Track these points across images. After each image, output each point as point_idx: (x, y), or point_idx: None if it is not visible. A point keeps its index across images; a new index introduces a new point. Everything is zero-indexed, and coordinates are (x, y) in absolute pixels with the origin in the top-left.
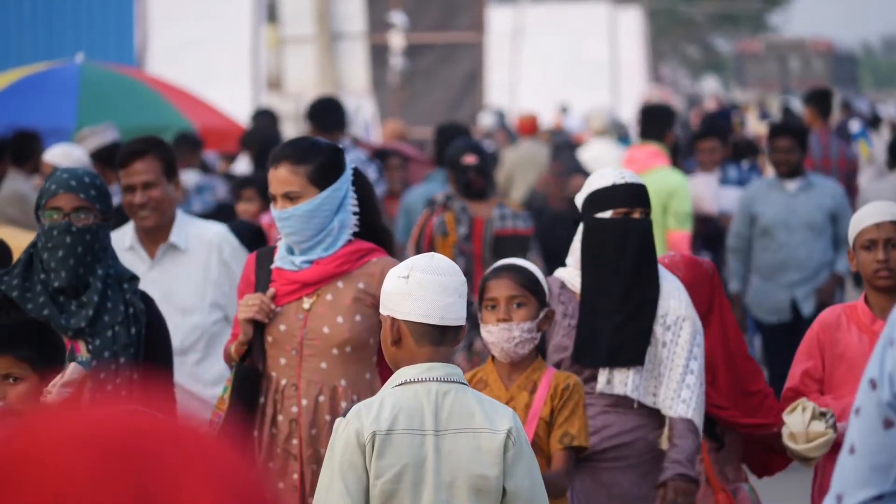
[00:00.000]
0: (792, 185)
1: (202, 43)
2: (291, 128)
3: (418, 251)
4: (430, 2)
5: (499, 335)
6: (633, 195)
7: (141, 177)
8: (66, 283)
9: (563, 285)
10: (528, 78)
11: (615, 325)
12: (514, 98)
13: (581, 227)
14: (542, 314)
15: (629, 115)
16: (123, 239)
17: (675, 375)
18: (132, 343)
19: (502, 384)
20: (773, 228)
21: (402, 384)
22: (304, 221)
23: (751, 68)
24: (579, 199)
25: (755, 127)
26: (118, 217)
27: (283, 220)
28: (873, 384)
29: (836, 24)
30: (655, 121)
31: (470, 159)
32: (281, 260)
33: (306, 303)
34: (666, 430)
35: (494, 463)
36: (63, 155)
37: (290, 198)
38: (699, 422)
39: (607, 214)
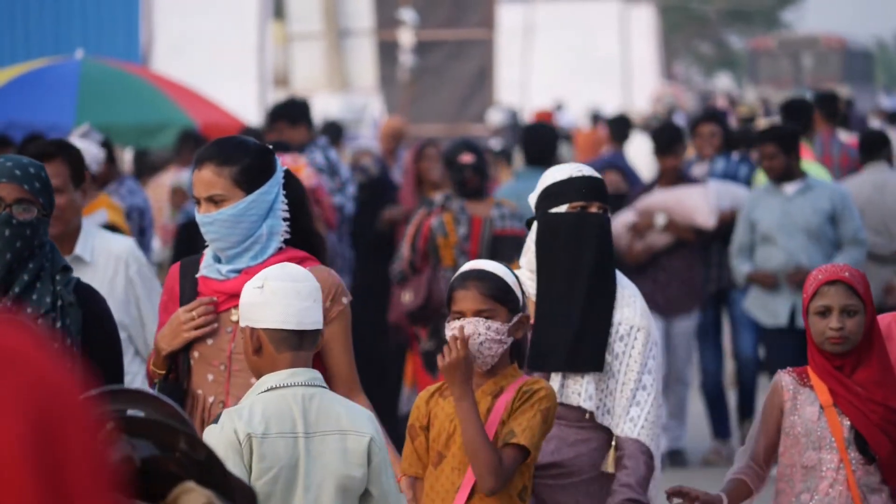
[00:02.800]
0: (790, 189)
1: (208, 39)
2: None
3: (414, 251)
4: None
5: (463, 330)
6: (589, 188)
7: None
8: None
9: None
10: (539, 75)
11: (573, 328)
12: (525, 96)
13: (534, 225)
14: (514, 319)
15: (641, 112)
16: None
17: (625, 391)
18: (55, 337)
19: None
20: (771, 234)
21: (267, 390)
22: (229, 227)
23: (764, 65)
24: (532, 197)
25: (760, 124)
26: None
27: (206, 224)
28: None
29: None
30: (797, 116)
31: (466, 158)
32: (207, 269)
33: (234, 315)
34: (612, 451)
35: (360, 464)
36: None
37: (215, 201)
38: (651, 443)
39: (563, 209)
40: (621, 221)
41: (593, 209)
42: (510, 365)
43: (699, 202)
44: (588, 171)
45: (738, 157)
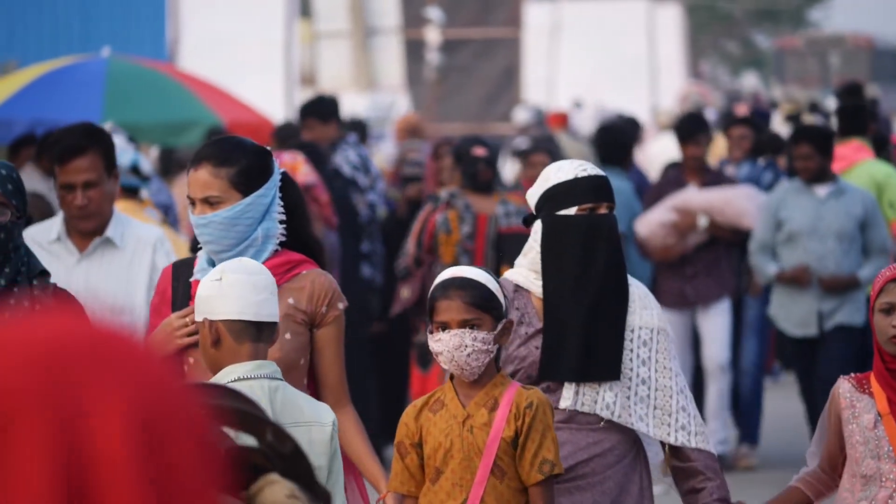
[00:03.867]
0: (822, 191)
1: (235, 37)
2: None
3: (419, 247)
4: None
5: (448, 343)
6: (597, 189)
7: (82, 176)
8: None
9: (517, 288)
10: (566, 74)
11: (587, 334)
12: (552, 94)
13: (539, 226)
14: (499, 326)
15: (668, 111)
16: (50, 231)
17: (664, 397)
18: None
19: (459, 403)
20: (800, 235)
21: (235, 381)
22: (224, 229)
23: (791, 64)
24: (533, 195)
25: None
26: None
27: (201, 226)
28: None
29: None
30: (855, 116)
31: (479, 151)
32: (201, 272)
33: None
34: (666, 457)
35: (323, 453)
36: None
37: (210, 203)
38: (712, 445)
39: (571, 211)
40: (657, 219)
41: (602, 210)
42: (497, 373)
43: (747, 205)
44: (592, 169)
45: (765, 162)
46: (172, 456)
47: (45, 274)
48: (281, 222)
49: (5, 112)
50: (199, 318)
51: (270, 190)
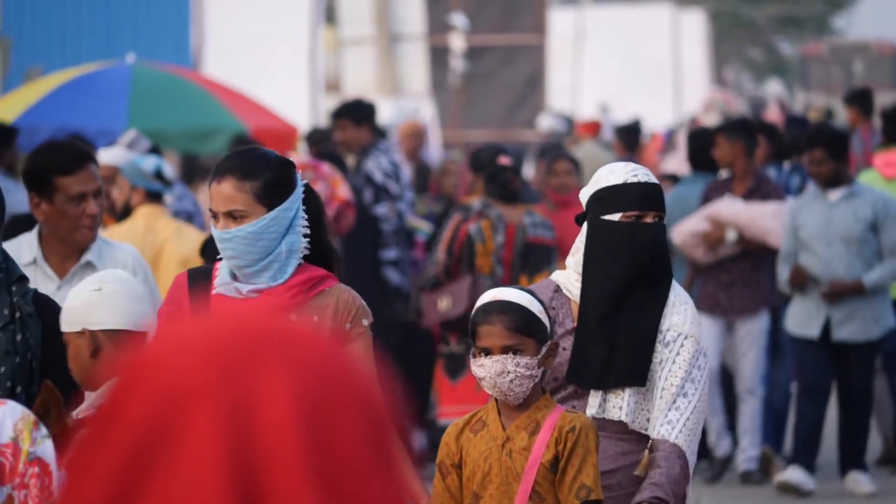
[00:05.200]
0: (834, 196)
1: (259, 43)
2: None
3: (450, 256)
4: (491, 3)
5: (491, 369)
6: (645, 196)
7: (93, 184)
8: None
9: (557, 289)
10: (590, 81)
11: (613, 343)
12: (576, 101)
13: (585, 228)
14: (544, 349)
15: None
16: (21, 251)
17: (665, 396)
18: (16, 351)
19: (500, 424)
20: (811, 241)
21: None
22: (248, 244)
23: (815, 71)
24: (585, 195)
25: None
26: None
27: (224, 241)
28: None
29: None
30: None
31: (505, 160)
32: (224, 286)
33: None
34: (646, 453)
35: None
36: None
37: (234, 217)
38: (688, 448)
39: (616, 217)
40: (690, 229)
41: (648, 219)
42: (542, 395)
43: (772, 224)
44: (644, 174)
45: (791, 166)
46: (340, 437)
47: (24, 279)
48: (305, 236)
49: (30, 119)
50: (75, 328)
51: (294, 203)
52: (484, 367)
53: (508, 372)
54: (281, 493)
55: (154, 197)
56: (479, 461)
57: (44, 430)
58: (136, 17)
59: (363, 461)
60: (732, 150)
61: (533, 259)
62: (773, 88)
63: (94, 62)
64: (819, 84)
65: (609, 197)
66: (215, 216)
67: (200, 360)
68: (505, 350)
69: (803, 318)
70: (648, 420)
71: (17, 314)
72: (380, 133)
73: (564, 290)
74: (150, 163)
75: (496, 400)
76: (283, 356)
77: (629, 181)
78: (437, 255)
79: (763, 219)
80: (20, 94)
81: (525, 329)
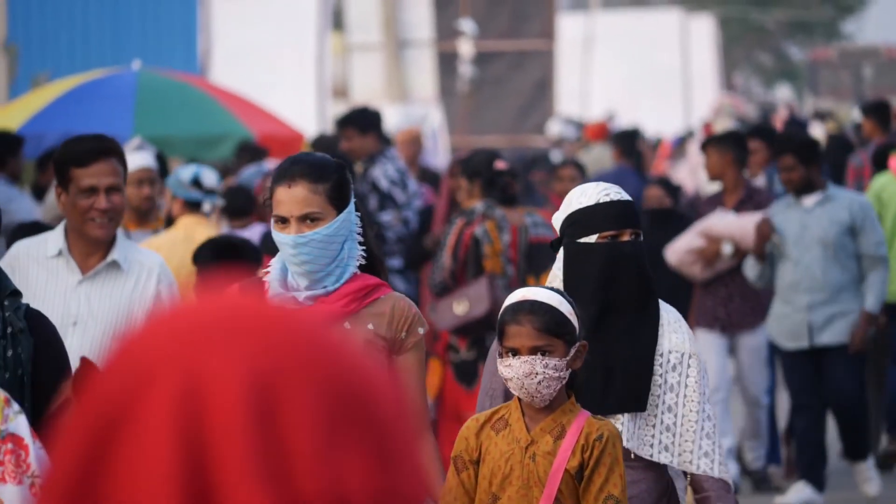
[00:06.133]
0: (809, 201)
1: (267, 50)
2: None
3: (455, 261)
4: (500, 9)
5: (519, 369)
6: (620, 215)
7: (106, 179)
8: None
9: None
10: (600, 86)
11: (608, 365)
12: (585, 106)
13: (561, 253)
14: (573, 351)
15: (701, 123)
16: (47, 244)
17: (689, 424)
18: (6, 366)
19: (524, 426)
20: (788, 247)
21: None
22: (323, 247)
23: (824, 76)
24: (558, 220)
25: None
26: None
27: (300, 245)
28: None
29: None
30: None
31: (501, 164)
32: (279, 297)
33: None
34: (689, 491)
35: None
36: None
37: (311, 219)
38: (729, 476)
39: (592, 238)
40: (684, 247)
41: (625, 237)
42: (567, 399)
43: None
44: (616, 193)
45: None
46: (289, 419)
47: (16, 294)
48: (360, 244)
49: (36, 126)
50: None
51: (352, 206)
52: (511, 368)
53: (537, 373)
54: (226, 470)
55: (194, 206)
56: (500, 462)
57: (16, 407)
58: (144, 24)
59: (317, 443)
60: (722, 161)
61: (538, 258)
62: (783, 93)
63: (101, 69)
64: (828, 89)
65: (583, 219)
66: (283, 221)
67: (162, 341)
68: (533, 351)
69: (790, 330)
70: (652, 446)
71: (9, 329)
72: (386, 140)
73: None
74: (187, 172)
75: (519, 400)
76: (240, 337)
77: (601, 201)
78: (442, 260)
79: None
80: (26, 101)
81: (554, 330)
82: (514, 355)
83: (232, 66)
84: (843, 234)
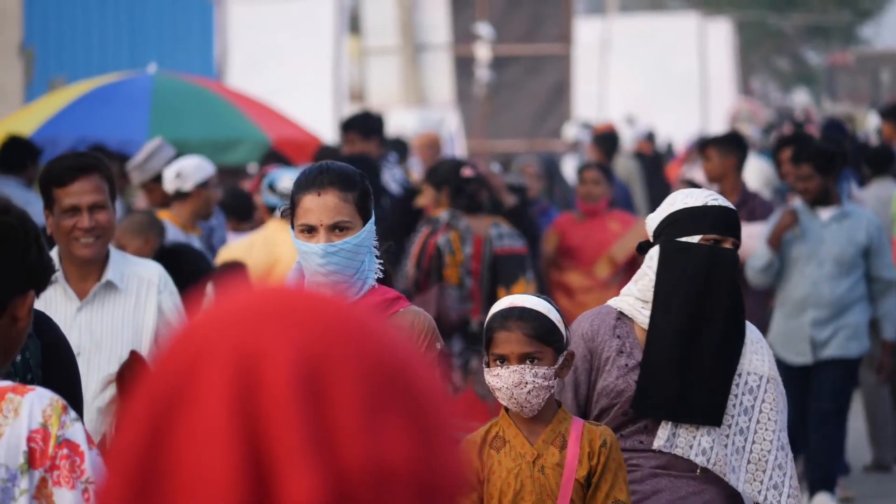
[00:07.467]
0: (825, 214)
1: (283, 54)
2: None
3: (419, 270)
4: (517, 13)
5: (508, 379)
6: (726, 221)
7: (88, 197)
8: None
9: (619, 316)
10: (616, 90)
11: (690, 372)
12: (602, 111)
13: (656, 252)
14: (560, 359)
15: (718, 127)
16: None
17: (761, 452)
18: (16, 372)
19: (525, 440)
20: (798, 259)
21: None
22: (351, 257)
23: (841, 81)
24: (654, 220)
25: None
26: None
27: (329, 254)
28: None
29: None
30: None
31: (468, 172)
32: None
33: None
34: None
35: None
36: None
37: (341, 228)
38: None
39: (694, 239)
40: None
41: (727, 245)
42: (558, 407)
43: (756, 245)
44: (723, 200)
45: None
46: (336, 394)
47: None
48: (377, 257)
49: (52, 129)
50: None
51: (374, 217)
52: (500, 378)
53: (526, 383)
54: (279, 442)
55: (272, 211)
56: (509, 479)
57: (73, 414)
58: (161, 28)
59: (362, 418)
60: (724, 163)
61: (506, 270)
62: (800, 98)
63: (117, 72)
64: (846, 93)
65: (687, 219)
66: (311, 230)
67: (216, 324)
68: (523, 358)
69: (795, 344)
70: (734, 469)
71: None
72: (398, 145)
73: (629, 319)
74: (269, 177)
75: (508, 413)
76: (291, 319)
77: (710, 203)
78: (406, 268)
79: (750, 240)
80: (42, 104)
81: (544, 337)
82: (502, 363)
83: (248, 71)
84: (858, 255)
